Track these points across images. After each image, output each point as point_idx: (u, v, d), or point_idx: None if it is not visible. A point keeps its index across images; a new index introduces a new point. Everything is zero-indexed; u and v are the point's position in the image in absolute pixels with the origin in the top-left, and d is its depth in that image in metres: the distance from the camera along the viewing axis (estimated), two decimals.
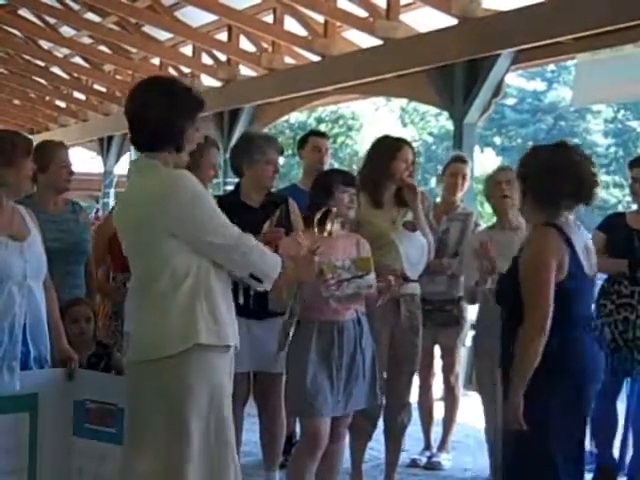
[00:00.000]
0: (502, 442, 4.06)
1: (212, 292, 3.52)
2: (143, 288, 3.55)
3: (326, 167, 6.23)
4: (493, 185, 5.43)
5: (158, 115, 3.50)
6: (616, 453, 5.63)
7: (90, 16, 12.44)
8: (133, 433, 3.58)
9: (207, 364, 3.49)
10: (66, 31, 13.46)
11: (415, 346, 5.29)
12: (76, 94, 16.75)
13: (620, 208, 25.77)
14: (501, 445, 4.17)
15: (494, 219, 5.69)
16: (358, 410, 4.77)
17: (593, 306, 5.39)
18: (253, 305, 4.69)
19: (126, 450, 3.61)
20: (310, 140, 6.40)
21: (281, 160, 5.34)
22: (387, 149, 5.31)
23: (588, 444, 5.42)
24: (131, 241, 3.61)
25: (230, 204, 5.03)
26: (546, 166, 3.86)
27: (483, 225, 6.28)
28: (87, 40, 13.75)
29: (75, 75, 15.76)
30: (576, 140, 34.71)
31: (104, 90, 15.61)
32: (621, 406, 5.61)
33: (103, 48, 13.76)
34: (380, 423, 5.31)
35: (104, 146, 16.64)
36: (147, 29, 12.44)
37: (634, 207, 5.64)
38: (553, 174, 3.82)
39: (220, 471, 3.55)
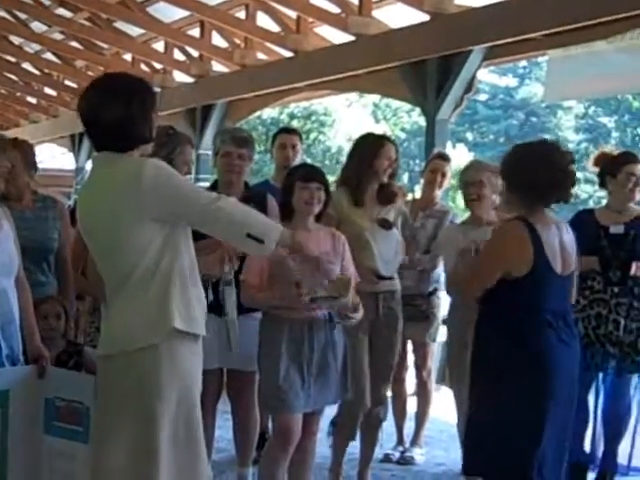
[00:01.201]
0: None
1: (185, 278, 3.50)
2: (121, 282, 3.49)
3: (295, 163, 6.23)
4: (463, 185, 5.48)
5: (119, 119, 3.45)
6: (589, 448, 5.67)
7: (61, 11, 12.36)
8: (102, 430, 3.54)
9: (178, 355, 3.47)
10: (37, 27, 13.37)
11: (393, 343, 5.30)
12: (47, 90, 16.64)
13: (591, 203, 25.95)
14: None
15: (466, 215, 5.73)
16: (344, 409, 4.77)
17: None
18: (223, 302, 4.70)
19: (95, 448, 3.57)
20: (277, 137, 6.44)
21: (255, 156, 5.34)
22: (370, 147, 5.31)
23: None
24: (105, 237, 3.54)
25: None
26: (524, 162, 3.90)
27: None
28: (58, 36, 13.66)
29: (46, 71, 15.65)
30: (547, 136, 34.90)
31: (75, 86, 15.50)
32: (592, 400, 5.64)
33: (74, 44, 13.67)
34: None
35: (75, 142, 16.54)
36: (119, 25, 12.37)
37: (604, 202, 5.68)
38: (531, 170, 3.87)
39: (190, 465, 3.53)
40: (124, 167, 3.47)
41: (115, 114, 3.44)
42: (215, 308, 4.61)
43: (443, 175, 6.24)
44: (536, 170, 3.87)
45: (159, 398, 3.43)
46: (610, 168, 5.46)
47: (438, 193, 6.30)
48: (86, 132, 3.57)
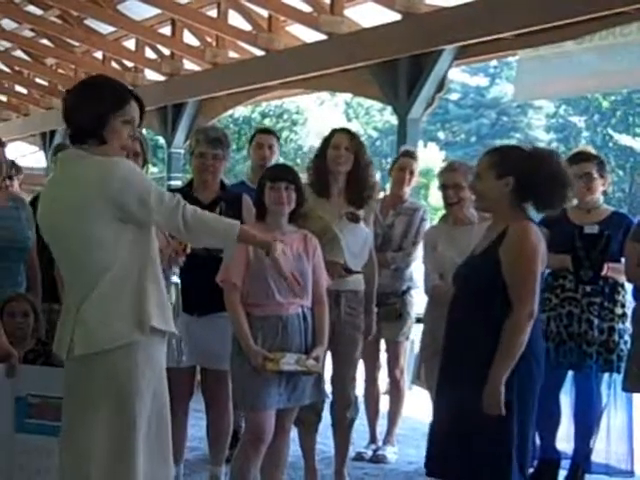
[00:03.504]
0: (452, 432, 4.05)
1: (157, 278, 3.56)
2: (93, 282, 3.48)
3: (271, 163, 6.24)
4: (442, 188, 5.49)
5: (78, 107, 3.54)
6: (561, 445, 5.70)
7: (31, 9, 12.29)
8: (74, 429, 3.52)
9: (154, 352, 3.52)
10: (7, 24, 13.29)
11: (357, 342, 5.30)
12: (18, 88, 16.54)
13: None
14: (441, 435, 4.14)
15: (439, 212, 5.75)
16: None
17: None
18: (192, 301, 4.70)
19: (66, 446, 3.54)
20: (255, 137, 6.45)
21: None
22: (325, 138, 5.40)
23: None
24: (72, 235, 3.52)
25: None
26: (547, 171, 3.90)
27: (429, 220, 6.34)
28: (29, 33, 13.59)
29: (16, 69, 15.56)
30: (518, 135, 35.13)
31: (46, 84, 15.43)
32: (565, 399, 5.68)
33: (45, 41, 13.61)
34: (328, 417, 5.34)
35: (46, 141, 16.43)
36: (89, 22, 12.32)
37: (575, 202, 5.71)
38: (549, 181, 3.89)
39: (159, 463, 3.56)
40: (95, 164, 3.48)
41: (81, 102, 3.54)
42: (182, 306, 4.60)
43: (411, 173, 6.27)
44: (559, 184, 3.92)
45: (138, 396, 3.46)
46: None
47: (407, 190, 6.32)
48: (69, 121, 3.61)
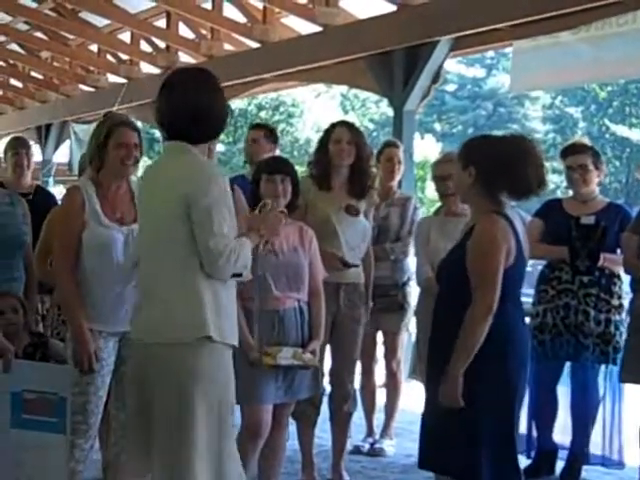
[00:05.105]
0: (428, 423, 4.03)
1: (218, 286, 3.56)
2: (160, 273, 3.57)
3: (260, 156, 6.22)
4: (436, 179, 5.54)
5: (205, 108, 3.62)
6: (559, 437, 5.69)
7: (26, 2, 12.24)
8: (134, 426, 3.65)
9: (217, 357, 3.54)
10: (1, 17, 13.23)
11: (356, 335, 5.30)
12: (13, 81, 16.49)
13: (559, 194, 26.05)
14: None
15: (436, 204, 5.75)
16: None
17: (532, 290, 5.49)
18: None
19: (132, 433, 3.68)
20: (249, 132, 6.49)
21: (222, 147, 5.33)
22: (325, 132, 5.44)
23: (525, 429, 5.49)
24: (151, 222, 3.64)
25: None
26: (504, 158, 3.86)
27: (422, 210, 6.36)
28: (23, 26, 13.54)
29: (11, 62, 15.51)
30: (515, 126, 35.08)
31: (41, 77, 15.39)
32: (562, 390, 5.66)
33: (40, 34, 13.56)
34: (325, 410, 5.33)
35: (42, 134, 16.37)
36: (84, 15, 12.28)
37: (570, 193, 5.70)
38: (511, 167, 3.84)
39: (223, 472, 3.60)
40: (190, 165, 3.56)
41: (204, 104, 3.63)
42: None
43: (399, 162, 6.30)
44: (517, 170, 3.85)
45: (194, 380, 3.48)
46: (562, 161, 5.59)
47: (396, 181, 6.34)
48: (165, 119, 3.65)
